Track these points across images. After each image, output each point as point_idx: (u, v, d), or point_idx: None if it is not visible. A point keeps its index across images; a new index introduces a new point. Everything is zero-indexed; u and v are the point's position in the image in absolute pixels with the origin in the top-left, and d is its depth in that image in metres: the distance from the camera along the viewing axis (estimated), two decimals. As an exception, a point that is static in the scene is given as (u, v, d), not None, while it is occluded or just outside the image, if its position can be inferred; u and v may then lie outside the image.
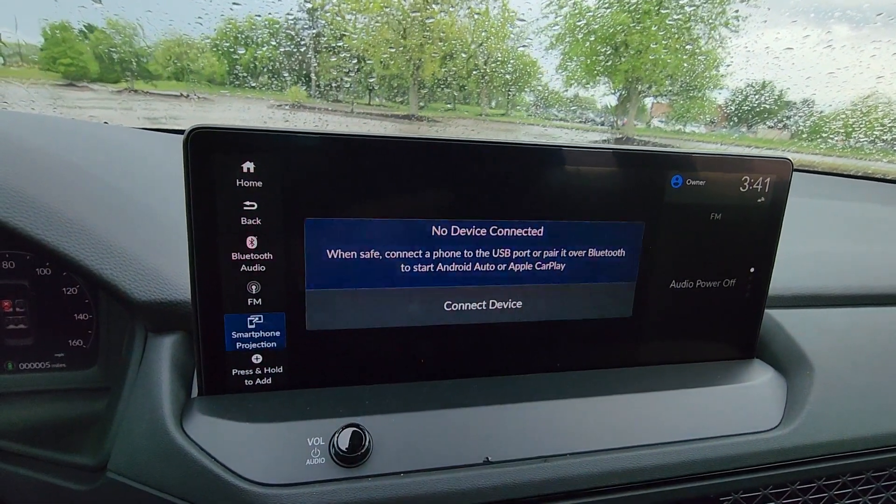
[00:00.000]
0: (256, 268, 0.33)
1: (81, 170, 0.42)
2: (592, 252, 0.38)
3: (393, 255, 0.34)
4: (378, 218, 0.34)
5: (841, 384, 0.42)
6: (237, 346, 0.34)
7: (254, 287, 0.33)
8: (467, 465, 0.32)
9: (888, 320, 0.50)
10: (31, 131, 0.45)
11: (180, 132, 0.30)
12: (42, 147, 0.42)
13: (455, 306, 0.36)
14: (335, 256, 0.34)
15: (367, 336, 0.35)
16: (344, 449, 0.30)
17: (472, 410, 0.34)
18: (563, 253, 0.37)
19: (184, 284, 0.35)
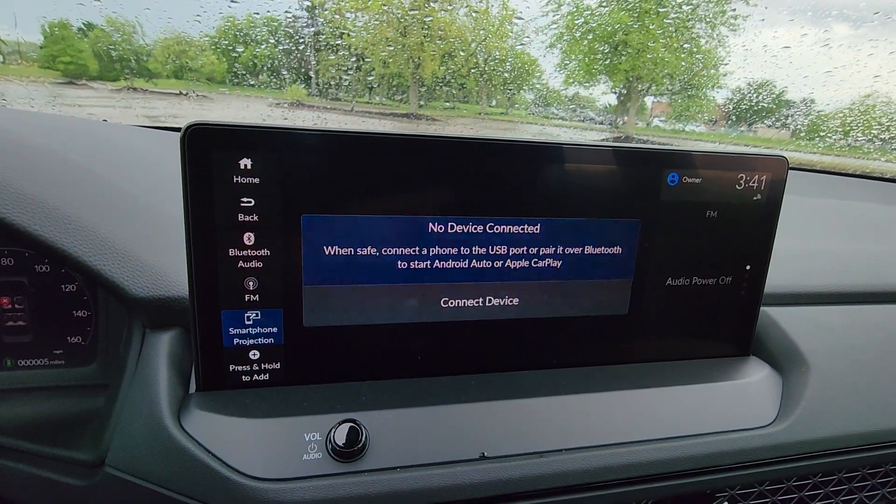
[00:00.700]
0: (254, 264, 0.33)
1: (80, 167, 0.42)
2: (589, 249, 0.38)
3: (390, 251, 0.35)
4: (375, 215, 0.34)
5: (836, 381, 0.42)
6: (234, 342, 0.34)
7: (251, 283, 0.33)
8: (463, 461, 0.32)
9: (883, 318, 0.50)
10: (29, 129, 0.45)
11: (179, 129, 0.30)
12: (41, 144, 0.42)
13: (451, 303, 0.37)
14: (332, 253, 0.34)
15: (363, 332, 0.36)
16: (341, 444, 0.30)
17: (469, 406, 0.35)
18: (560, 250, 0.38)
19: (181, 280, 0.35)
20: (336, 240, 0.34)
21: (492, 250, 0.36)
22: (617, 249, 0.39)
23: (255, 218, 0.32)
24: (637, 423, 0.36)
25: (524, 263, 0.37)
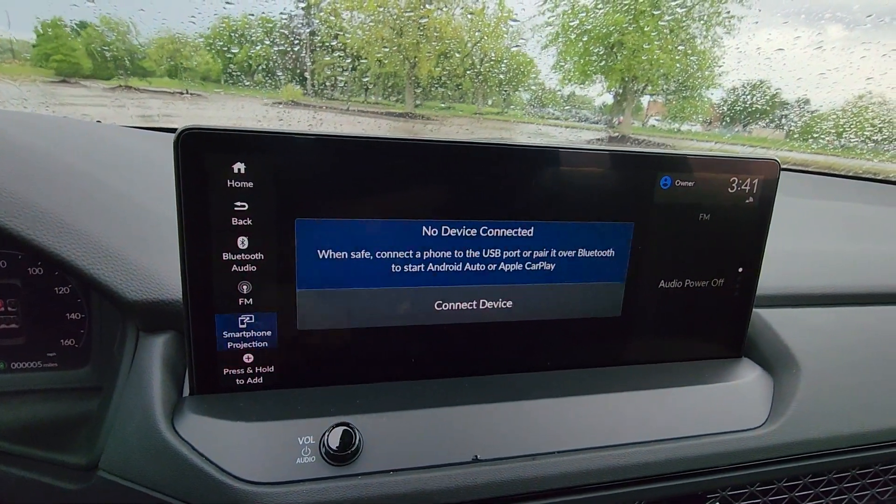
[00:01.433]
0: (248, 268, 0.33)
1: (74, 169, 0.42)
2: (582, 252, 0.39)
3: (384, 255, 0.35)
4: (369, 218, 0.34)
5: (827, 383, 0.43)
6: (228, 346, 0.34)
7: (245, 287, 0.33)
8: (456, 464, 0.32)
9: (874, 319, 0.51)
10: (22, 130, 0.45)
11: (172, 131, 0.30)
12: (34, 146, 0.42)
13: (445, 306, 0.37)
14: (326, 256, 0.34)
15: (358, 336, 0.36)
16: (334, 447, 0.30)
17: (462, 409, 0.35)
18: (553, 253, 0.38)
19: (175, 284, 0.35)
20: (330, 243, 0.34)
21: (485, 253, 0.36)
22: (610, 252, 0.39)
23: (249, 222, 0.32)
24: (629, 426, 0.36)
25: (518, 266, 0.37)
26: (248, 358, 0.35)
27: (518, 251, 0.37)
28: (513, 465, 0.32)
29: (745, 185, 0.41)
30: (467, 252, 0.36)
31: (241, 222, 0.32)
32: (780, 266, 0.52)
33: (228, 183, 0.31)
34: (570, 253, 0.38)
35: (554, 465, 0.33)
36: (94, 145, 0.51)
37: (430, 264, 0.36)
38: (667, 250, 0.40)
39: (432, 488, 0.30)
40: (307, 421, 0.32)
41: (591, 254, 0.39)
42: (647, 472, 0.35)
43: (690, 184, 0.40)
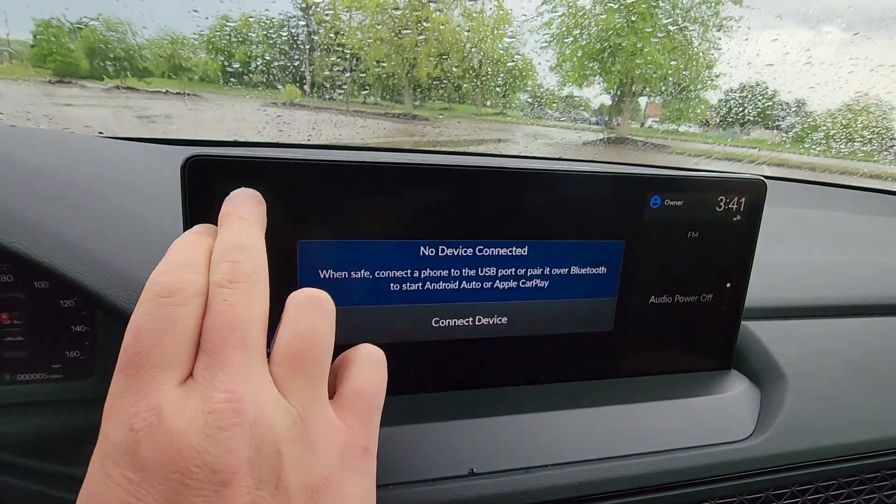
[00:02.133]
0: (250, 287, 0.34)
1: (76, 185, 0.43)
2: (575, 269, 0.40)
3: (383, 274, 0.36)
4: (369, 239, 0.35)
5: (813, 394, 0.44)
6: None
7: (248, 306, 0.34)
8: (452, 477, 0.33)
9: (861, 331, 0.52)
10: (22, 147, 0.46)
11: (174, 142, 0.31)
12: (38, 164, 0.43)
13: (442, 322, 0.38)
14: (327, 277, 0.35)
15: None
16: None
17: (458, 423, 0.36)
18: (547, 271, 0.39)
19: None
20: (331, 264, 0.35)
21: (481, 272, 0.38)
22: (602, 269, 0.40)
23: None
24: (621, 438, 0.38)
25: (512, 284, 0.39)
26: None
27: (513, 269, 0.38)
28: (507, 478, 0.34)
29: (733, 204, 0.42)
30: (463, 271, 0.37)
31: (243, 243, 0.33)
32: (767, 278, 0.54)
33: (232, 205, 0.32)
34: (563, 270, 0.39)
35: (548, 477, 0.34)
36: (96, 161, 0.52)
37: (428, 283, 0.37)
38: (657, 267, 0.42)
39: (428, 502, 0.32)
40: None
41: (583, 271, 0.40)
42: (637, 484, 0.36)
43: (679, 203, 0.41)
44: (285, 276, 0.34)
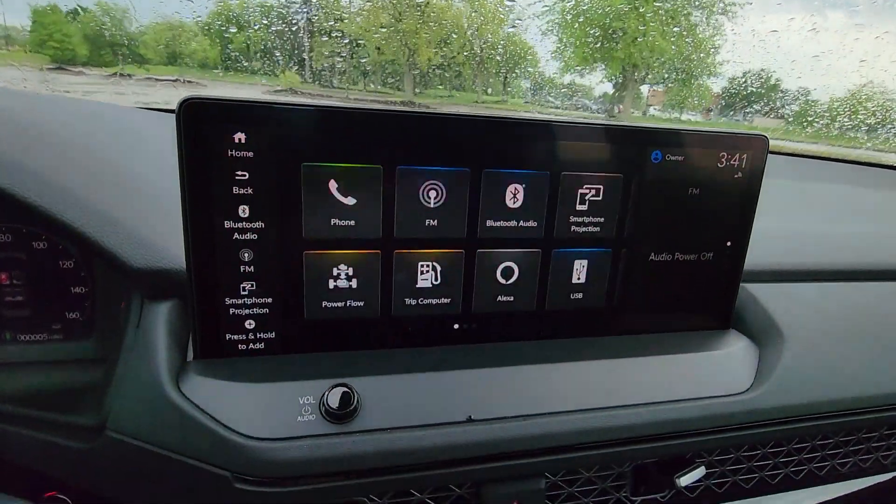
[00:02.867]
0: (249, 236, 0.34)
1: (79, 143, 0.43)
2: (574, 218, 0.39)
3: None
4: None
5: (810, 352, 0.44)
6: (231, 312, 0.35)
7: (246, 255, 0.34)
8: (451, 423, 0.33)
9: (858, 294, 0.52)
10: (28, 107, 0.46)
11: (174, 111, 0.31)
12: (40, 121, 0.42)
13: (441, 275, 0.38)
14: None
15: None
16: (333, 407, 0.32)
17: (457, 373, 0.36)
18: (544, 220, 0.39)
19: (178, 253, 0.36)
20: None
21: (480, 217, 0.37)
22: (601, 222, 0.40)
23: (250, 191, 0.33)
24: (620, 390, 0.38)
25: (512, 234, 0.38)
26: (249, 324, 0.36)
27: (512, 220, 0.38)
28: (505, 424, 0.34)
29: (734, 161, 0.42)
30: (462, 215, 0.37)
31: (241, 191, 0.33)
32: (767, 244, 0.54)
33: (229, 152, 0.32)
34: (562, 221, 0.39)
35: (545, 424, 0.34)
36: (94, 121, 0.52)
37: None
38: (657, 223, 0.41)
39: (427, 445, 0.32)
40: (307, 382, 0.33)
41: (582, 220, 0.40)
42: (635, 433, 0.36)
43: (681, 158, 0.41)
44: (283, 224, 0.34)
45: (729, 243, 0.44)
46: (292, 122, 0.32)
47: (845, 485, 0.50)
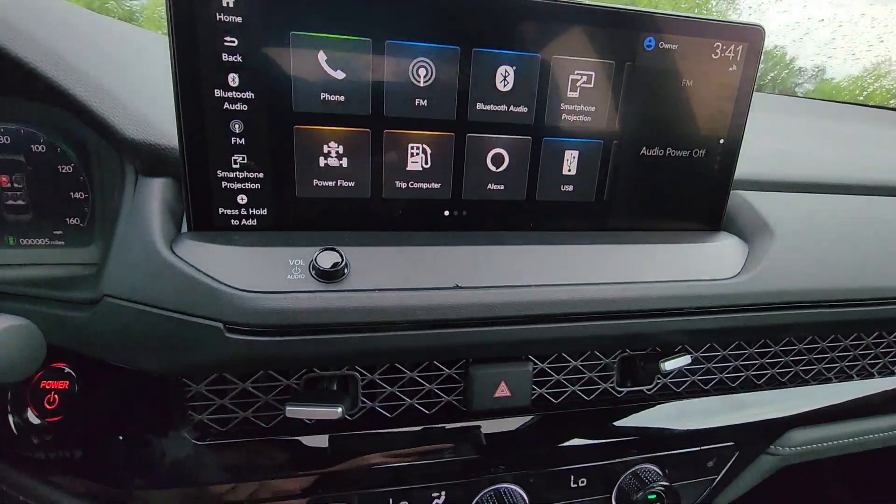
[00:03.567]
0: (239, 106, 0.34)
1: (69, 22, 0.43)
2: (565, 106, 0.39)
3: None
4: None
5: (798, 249, 0.44)
6: (223, 186, 0.36)
7: (237, 126, 0.35)
8: (438, 288, 0.34)
9: (850, 204, 0.51)
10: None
11: None
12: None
13: (431, 156, 0.38)
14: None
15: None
16: (323, 267, 0.32)
17: (446, 249, 0.37)
18: (535, 106, 0.39)
19: (172, 132, 0.37)
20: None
21: (470, 100, 0.37)
22: (591, 108, 0.40)
23: (239, 58, 0.33)
24: (607, 269, 0.38)
25: (502, 119, 0.38)
26: (241, 199, 0.36)
27: (504, 106, 0.38)
28: (492, 291, 0.34)
29: (730, 52, 0.42)
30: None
31: (231, 59, 0.33)
32: (760, 158, 0.53)
33: (217, 16, 0.32)
34: (552, 106, 0.39)
35: (531, 293, 0.35)
36: (88, 16, 0.51)
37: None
38: (649, 116, 0.41)
39: (415, 304, 0.33)
40: (298, 248, 0.34)
41: (573, 108, 0.40)
42: (620, 307, 0.37)
43: (674, 47, 0.40)
44: (273, 93, 0.34)
45: (722, 140, 0.44)
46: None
47: (834, 391, 0.50)
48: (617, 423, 0.43)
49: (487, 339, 0.34)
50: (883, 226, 0.48)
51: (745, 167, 0.45)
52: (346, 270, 0.33)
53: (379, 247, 0.36)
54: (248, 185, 0.36)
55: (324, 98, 0.35)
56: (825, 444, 0.48)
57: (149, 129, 0.36)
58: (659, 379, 0.45)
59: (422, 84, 0.37)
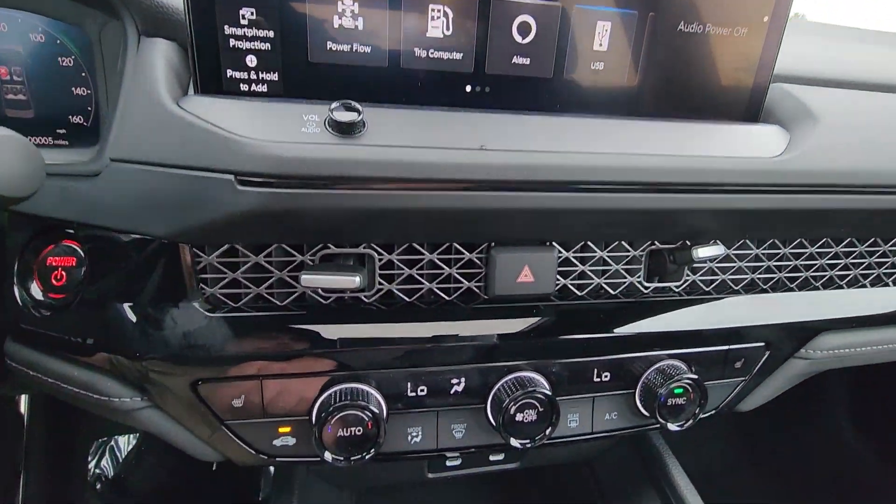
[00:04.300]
0: (247, -48, 0.31)
1: None
2: None
3: None
4: None
5: (843, 133, 0.41)
6: (230, 44, 0.33)
7: (245, -26, 0.32)
8: (463, 149, 0.32)
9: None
10: None
11: None
12: None
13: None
14: None
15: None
16: (340, 119, 0.30)
17: (471, 114, 0.34)
18: None
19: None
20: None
21: None
22: None
23: None
24: (644, 141, 0.36)
25: None
26: (251, 60, 0.34)
27: None
28: (518, 154, 0.32)
29: (781, -87, 0.38)
30: None
31: None
32: (803, 57, 0.49)
33: None
34: None
35: (564, 157, 0.32)
36: None
37: None
38: None
39: (438, 161, 0.30)
40: (313, 105, 0.32)
41: None
42: (660, 177, 0.34)
43: None
44: None
45: (766, 18, 0.40)
46: None
47: (869, 296, 0.47)
48: (642, 319, 0.41)
49: (515, 205, 0.32)
50: None
51: (787, 62, 0.41)
52: (363, 126, 0.31)
53: (399, 108, 0.33)
54: (258, 45, 0.34)
55: (337, -55, 0.32)
56: (857, 350, 0.46)
57: None
58: (688, 276, 0.42)
59: (443, -65, 0.34)
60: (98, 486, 0.84)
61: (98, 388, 0.34)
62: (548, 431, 0.38)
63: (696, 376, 0.39)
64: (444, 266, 0.37)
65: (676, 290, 0.43)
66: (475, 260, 0.37)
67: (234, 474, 0.78)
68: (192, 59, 0.33)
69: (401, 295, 0.37)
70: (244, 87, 0.34)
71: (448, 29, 0.36)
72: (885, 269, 0.47)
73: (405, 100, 0.37)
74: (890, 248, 0.47)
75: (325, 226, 0.31)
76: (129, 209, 0.32)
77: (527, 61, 0.38)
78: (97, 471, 0.91)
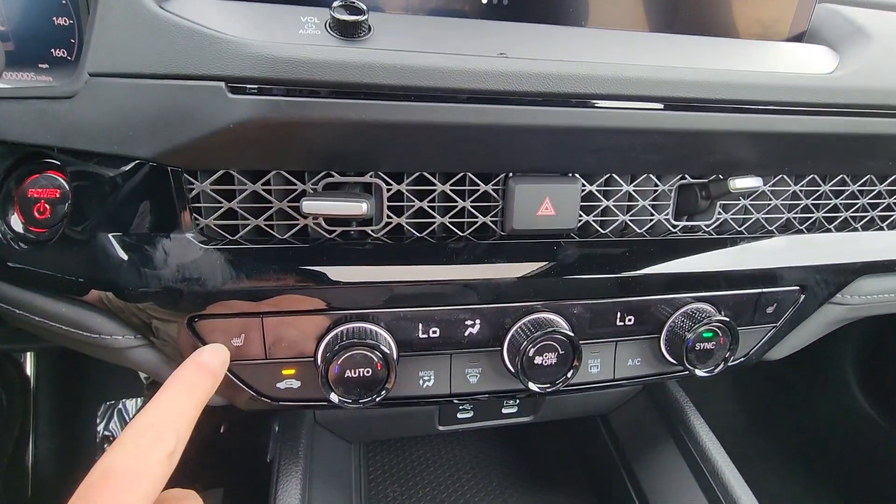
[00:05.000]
0: None
1: None
2: None
3: None
4: None
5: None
6: None
7: None
8: (480, 56, 0.28)
9: None
10: None
11: None
12: None
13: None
14: None
15: None
16: (342, 18, 0.26)
17: (491, 23, 0.31)
18: None
19: None
20: None
21: None
22: None
23: None
24: (682, 55, 0.32)
25: None
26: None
27: None
28: (542, 62, 0.28)
29: None
30: None
31: None
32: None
33: None
34: None
35: (592, 67, 0.29)
36: None
37: None
38: None
39: (452, 67, 0.27)
40: (310, 7, 0.28)
41: None
42: (699, 92, 0.30)
43: None
44: None
45: (817, -78, 0.36)
46: None
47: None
48: (670, 260, 0.38)
49: (538, 121, 0.28)
50: None
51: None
52: (369, 29, 0.27)
53: (408, 14, 0.30)
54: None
55: None
56: (896, 296, 0.43)
57: None
58: (719, 214, 0.39)
59: None
60: (106, 447, 0.84)
61: (88, 325, 0.32)
62: (569, 374, 0.35)
63: (726, 319, 0.37)
64: (458, 198, 0.34)
65: (706, 229, 0.40)
66: (491, 192, 0.34)
67: (241, 436, 0.77)
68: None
69: (410, 229, 0.34)
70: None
71: (462, -73, 0.32)
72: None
73: (414, 9, 0.33)
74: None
75: (326, 144, 0.28)
76: (112, 129, 0.29)
77: (550, -32, 0.34)
78: (105, 433, 0.91)
